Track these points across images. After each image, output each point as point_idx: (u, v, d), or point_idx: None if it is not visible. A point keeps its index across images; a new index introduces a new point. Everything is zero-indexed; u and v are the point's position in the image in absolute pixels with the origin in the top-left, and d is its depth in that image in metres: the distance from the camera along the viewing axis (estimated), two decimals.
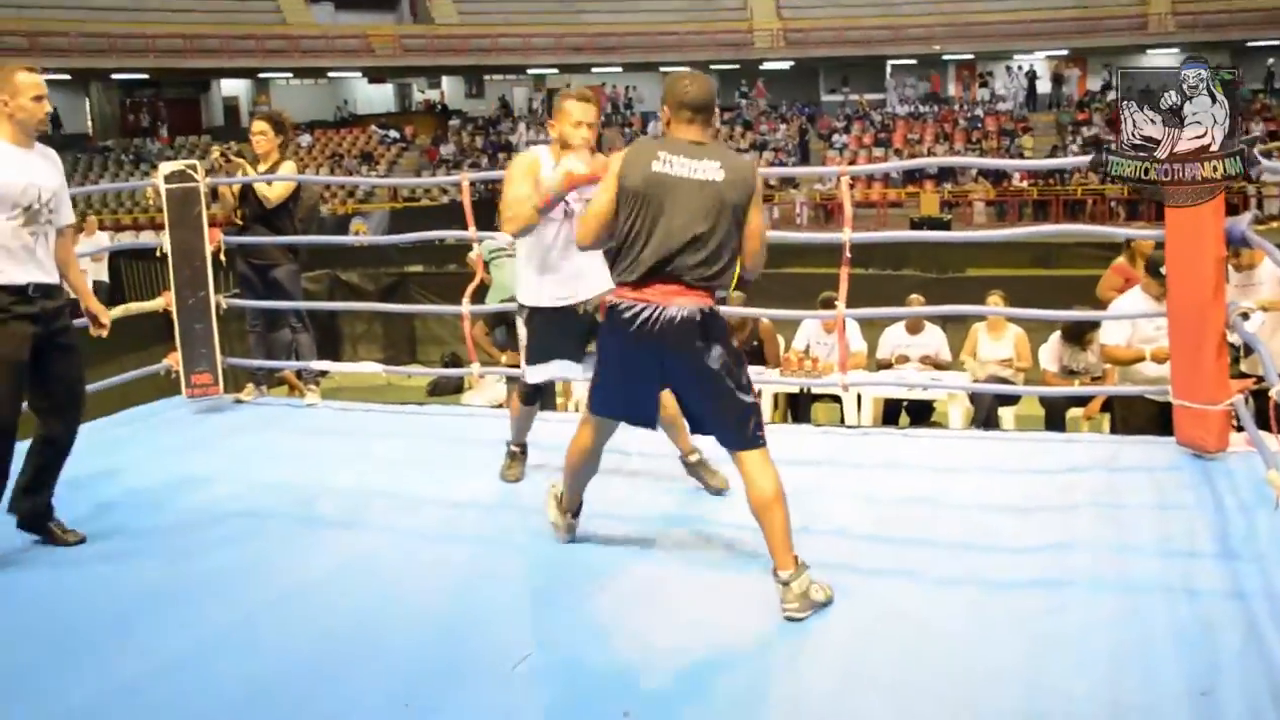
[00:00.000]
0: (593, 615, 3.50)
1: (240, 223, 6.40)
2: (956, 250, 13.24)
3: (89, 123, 36.15)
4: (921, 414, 8.45)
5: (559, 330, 4.40)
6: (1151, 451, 4.94)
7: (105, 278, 13.84)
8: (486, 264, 7.45)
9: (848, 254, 5.45)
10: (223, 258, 6.33)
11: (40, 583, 3.84)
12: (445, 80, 39.90)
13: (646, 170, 3.49)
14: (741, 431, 3.57)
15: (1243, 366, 5.53)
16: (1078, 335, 7.25)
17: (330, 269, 12.17)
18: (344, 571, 3.89)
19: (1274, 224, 21.18)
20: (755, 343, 8.64)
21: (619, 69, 35.96)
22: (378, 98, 39.92)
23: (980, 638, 3.24)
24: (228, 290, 6.53)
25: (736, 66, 36.25)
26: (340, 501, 4.62)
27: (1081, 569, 3.68)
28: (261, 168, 6.39)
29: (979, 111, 33.33)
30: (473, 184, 6.09)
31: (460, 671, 3.12)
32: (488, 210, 12.14)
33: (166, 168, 6.26)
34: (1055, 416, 7.38)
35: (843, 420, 7.88)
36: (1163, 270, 5.18)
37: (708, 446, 4.23)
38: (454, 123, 36.51)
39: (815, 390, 7.87)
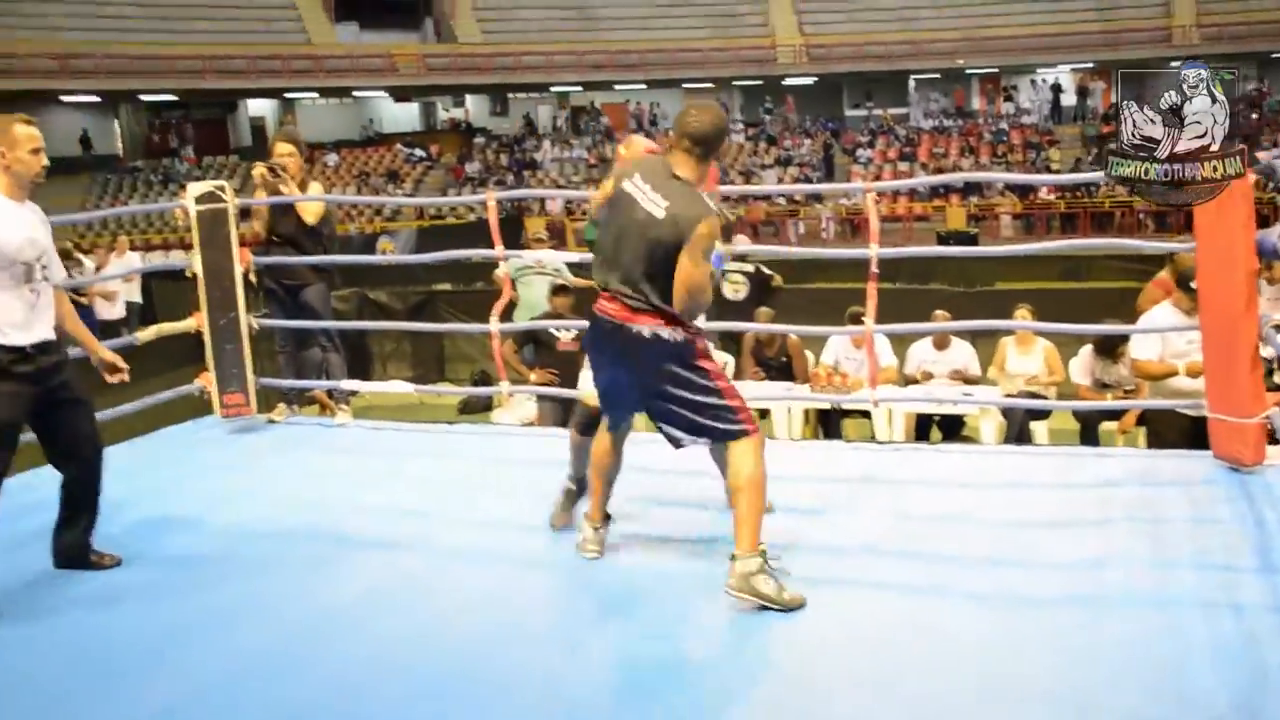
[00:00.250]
0: (625, 635, 3.49)
1: (270, 241, 6.41)
2: (984, 264, 13.19)
3: (118, 144, 36.50)
4: (953, 429, 8.41)
5: None
6: (1187, 465, 4.90)
7: (139, 298, 13.92)
8: (514, 281, 7.48)
9: (875, 270, 5.43)
10: (253, 278, 6.36)
11: (73, 607, 3.84)
12: (470, 98, 40.12)
13: (619, 185, 3.71)
14: (722, 428, 3.67)
15: (1277, 379, 5.48)
16: (1109, 348, 7.21)
17: (359, 288, 12.22)
18: (376, 593, 3.89)
19: None
20: (784, 358, 8.63)
21: (642, 86, 36.07)
22: (403, 116, 40.16)
23: (1015, 653, 3.21)
24: (258, 311, 6.56)
25: (759, 82, 36.32)
26: (372, 521, 4.63)
27: (1118, 584, 3.65)
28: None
29: (1004, 125, 33.26)
30: (499, 202, 6.10)
31: (492, 694, 3.11)
32: (513, 228, 12.16)
33: (196, 189, 6.30)
34: (1089, 430, 7.33)
35: (874, 436, 7.85)
36: (1193, 284, 5.15)
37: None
38: (479, 141, 36.70)
39: (845, 406, 7.84)
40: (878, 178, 29.18)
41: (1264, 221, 4.95)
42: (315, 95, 37.58)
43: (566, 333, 7.70)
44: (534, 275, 8.65)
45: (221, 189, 6.29)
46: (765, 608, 3.48)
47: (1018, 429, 7.61)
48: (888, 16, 34.37)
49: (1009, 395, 7.71)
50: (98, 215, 13.24)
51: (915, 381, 8.30)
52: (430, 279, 14.18)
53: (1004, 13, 33.63)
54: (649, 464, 4.56)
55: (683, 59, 34.22)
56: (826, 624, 3.46)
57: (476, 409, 9.61)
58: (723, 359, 8.57)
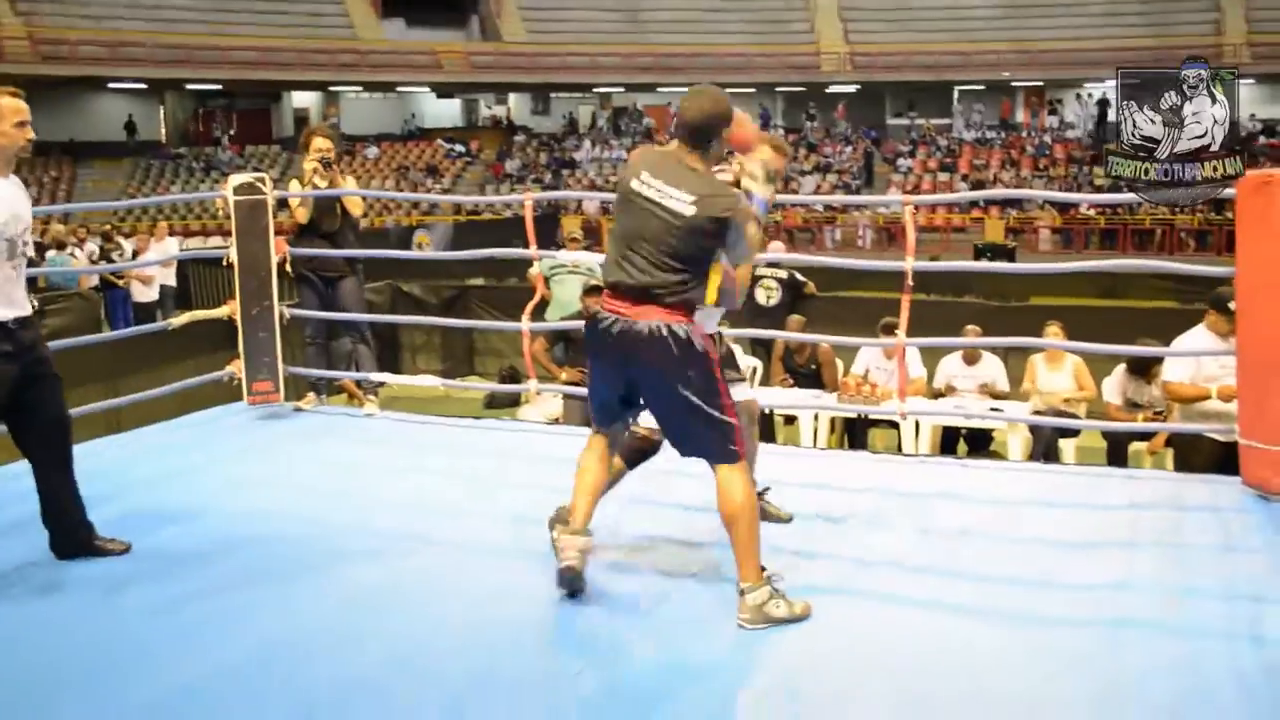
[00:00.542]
0: (646, 634, 3.46)
1: (305, 232, 6.45)
2: (1020, 278, 13.09)
3: (162, 131, 36.86)
4: (980, 443, 8.35)
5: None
6: (1217, 490, 4.84)
7: (173, 282, 14.07)
8: (547, 280, 7.49)
9: (910, 282, 5.39)
10: (288, 268, 6.41)
11: (95, 589, 3.86)
12: (512, 97, 40.22)
13: (627, 184, 3.58)
14: (717, 448, 3.55)
15: None
16: (1143, 369, 7.13)
17: (392, 280, 12.28)
18: (395, 583, 3.90)
19: None
20: (814, 366, 8.60)
21: (685, 89, 35.96)
22: (445, 112, 40.32)
23: (1037, 675, 3.17)
24: (289, 300, 6.60)
25: (803, 89, 36.22)
26: (393, 512, 4.64)
27: (1142, 609, 3.60)
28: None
29: (1047, 139, 33.00)
30: (535, 201, 6.11)
31: (509, 687, 3.11)
32: (549, 226, 12.18)
33: (236, 180, 6.36)
34: (1117, 450, 7.25)
35: (900, 447, 7.80)
36: (1230, 306, 5.09)
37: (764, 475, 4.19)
38: (519, 138, 36.80)
39: (873, 416, 7.80)
40: (917, 188, 29.04)
41: None
42: (359, 89, 37.79)
43: None
44: (567, 274, 8.66)
45: (261, 180, 6.35)
46: None
47: (1045, 446, 7.54)
48: (935, 26, 34.16)
49: (1038, 412, 7.64)
50: (139, 202, 13.41)
51: (943, 395, 8.25)
52: (464, 274, 14.22)
53: (1053, 26, 33.34)
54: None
55: (727, 63, 34.14)
56: (842, 636, 3.44)
57: (503, 404, 9.63)
58: (751, 364, 8.55)
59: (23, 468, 4.24)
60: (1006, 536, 4.35)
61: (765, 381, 8.66)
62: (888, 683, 3.14)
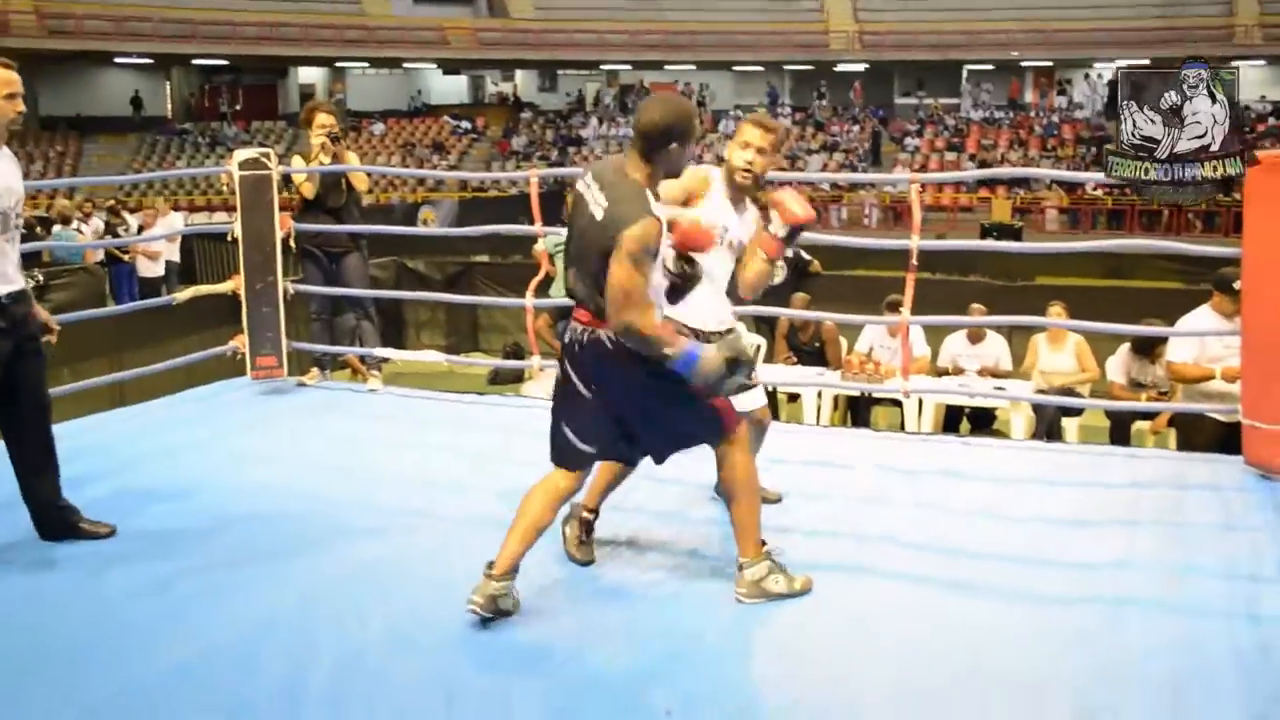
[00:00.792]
0: (646, 612, 3.48)
1: (309, 207, 6.45)
2: (1026, 258, 13.06)
3: (168, 106, 36.82)
4: (983, 422, 8.36)
5: None
6: (1218, 470, 4.83)
7: (177, 258, 14.08)
8: (551, 257, 7.48)
9: (914, 261, 5.38)
10: (292, 244, 6.41)
11: (87, 566, 3.85)
12: (519, 73, 40.12)
13: (578, 183, 3.46)
14: (705, 430, 3.45)
15: None
16: (1147, 348, 7.12)
17: (397, 256, 12.27)
18: (397, 558, 3.91)
19: None
20: (817, 344, 8.59)
21: (692, 67, 35.93)
22: (451, 89, 40.24)
23: (1037, 654, 3.18)
24: (295, 276, 6.61)
25: (811, 67, 36.09)
26: (396, 488, 4.65)
27: (1143, 588, 3.61)
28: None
29: (1055, 119, 32.86)
30: (540, 178, 6.10)
31: (507, 664, 3.12)
32: (555, 203, 12.17)
33: (241, 155, 6.35)
34: (1120, 429, 7.25)
35: (903, 425, 7.80)
36: (1235, 286, 5.08)
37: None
38: (526, 115, 36.71)
39: (876, 394, 7.80)
40: (924, 167, 28.93)
41: None
42: (366, 65, 37.71)
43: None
44: None
45: (266, 155, 6.34)
46: None
47: (1048, 425, 7.54)
48: (944, 5, 33.96)
49: (1041, 391, 7.64)
50: (144, 176, 13.36)
51: (947, 373, 8.24)
52: (469, 250, 14.21)
53: (1063, 5, 33.11)
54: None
55: (735, 41, 34.05)
56: (842, 613, 3.44)
57: (506, 381, 9.63)
58: (755, 341, 8.55)
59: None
60: (1007, 515, 4.35)
61: (769, 359, 8.65)
62: (886, 660, 3.15)
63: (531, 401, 6.17)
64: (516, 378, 9.29)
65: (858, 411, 8.27)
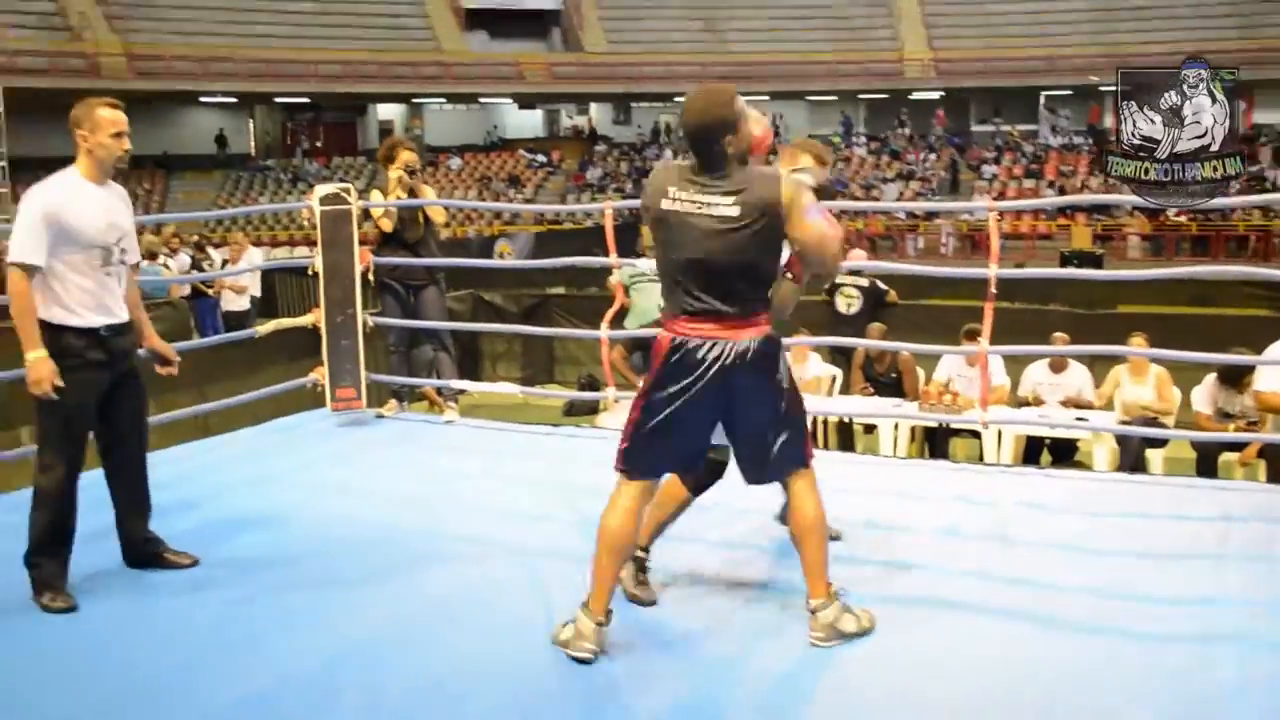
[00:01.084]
0: (714, 647, 3.45)
1: (387, 241, 6.54)
2: (1108, 285, 12.85)
3: (251, 143, 37.66)
4: (1065, 454, 8.21)
5: None
6: None
7: (258, 292, 14.31)
8: (626, 289, 7.51)
9: (993, 290, 5.32)
10: (371, 277, 6.51)
11: (176, 597, 3.91)
12: (593, 106, 40.46)
13: (658, 204, 3.31)
14: (798, 453, 3.43)
15: None
16: (1234, 378, 6.95)
17: (474, 289, 12.39)
18: (469, 589, 3.93)
19: None
20: (894, 375, 8.52)
21: (766, 97, 35.99)
22: (527, 123, 40.69)
23: (1123, 692, 3.10)
24: (372, 309, 6.70)
25: (886, 96, 35.95)
26: (470, 519, 4.68)
27: (1233, 625, 3.50)
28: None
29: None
30: (616, 209, 6.14)
31: (581, 695, 3.12)
32: (629, 235, 12.25)
33: (322, 190, 6.47)
34: (1207, 461, 7.07)
35: (981, 457, 7.69)
36: None
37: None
38: (600, 148, 36.98)
39: (954, 425, 7.70)
40: (1002, 194, 28.63)
41: None
42: (443, 101, 38.28)
43: None
44: (647, 283, 8.66)
45: (346, 191, 6.46)
46: None
47: (1133, 457, 7.37)
48: (1020, 31, 33.72)
49: (1124, 422, 7.49)
50: (228, 213, 13.76)
51: (1028, 404, 8.12)
52: (545, 283, 14.30)
53: (1141, 29, 32.69)
54: None
55: (808, 71, 34.05)
56: (916, 650, 3.38)
57: (582, 412, 9.66)
58: (831, 372, 8.49)
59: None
60: (1090, 548, 4.25)
61: (845, 390, 8.59)
62: (961, 700, 3.08)
63: (606, 433, 6.17)
64: (591, 409, 9.31)
65: (936, 443, 8.17)
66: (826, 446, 7.67)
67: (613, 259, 6.18)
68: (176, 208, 31.07)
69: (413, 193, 6.51)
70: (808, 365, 8.49)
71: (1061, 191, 28.00)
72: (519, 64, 35.11)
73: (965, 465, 6.14)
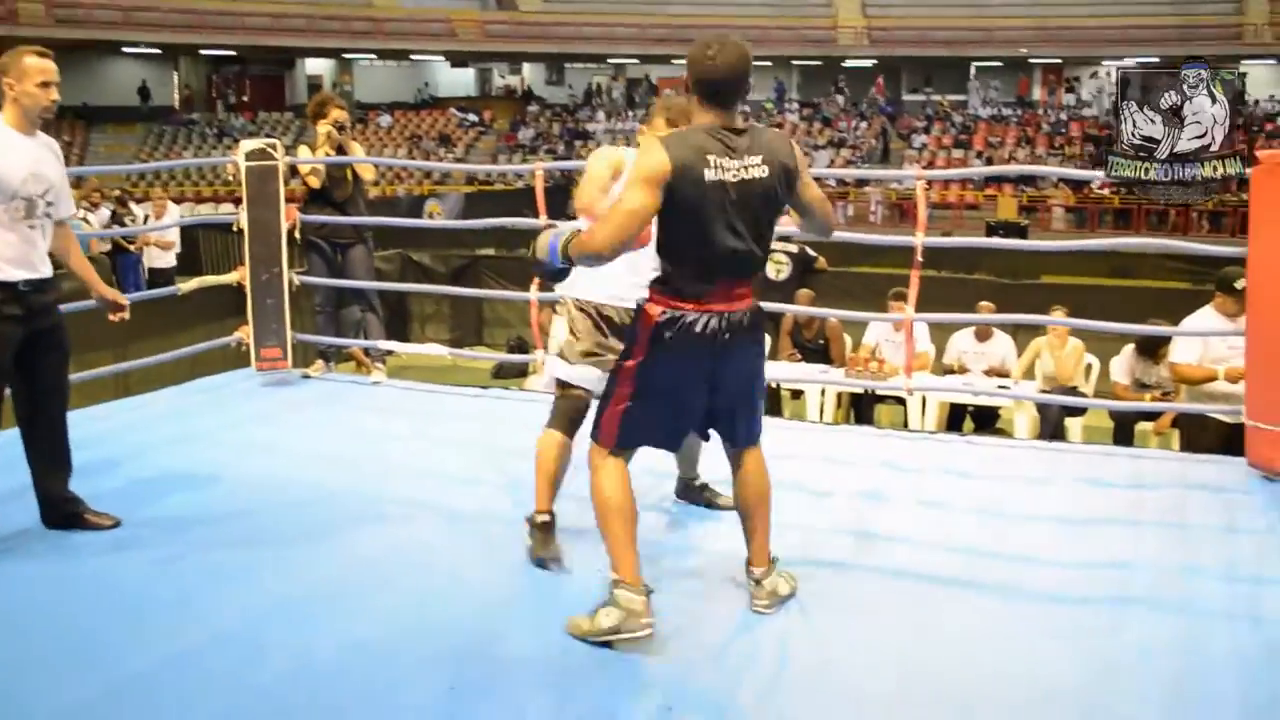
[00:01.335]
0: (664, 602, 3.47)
1: (314, 198, 6.45)
2: (1032, 256, 13.05)
3: (175, 96, 36.84)
4: (986, 421, 8.36)
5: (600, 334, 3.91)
6: (1222, 471, 4.83)
7: (179, 248, 14.01)
8: None
9: (919, 258, 5.38)
10: (297, 235, 6.42)
11: (99, 557, 3.86)
12: (526, 66, 40.09)
13: (700, 177, 3.04)
14: (758, 424, 3.45)
15: None
16: (1151, 349, 7.12)
17: (403, 249, 12.28)
18: (398, 550, 3.92)
19: None
20: (822, 341, 8.59)
21: None
22: (458, 81, 40.23)
23: (1038, 654, 3.18)
24: (300, 268, 6.62)
25: (819, 63, 36.04)
26: (398, 480, 4.66)
27: (1144, 588, 3.61)
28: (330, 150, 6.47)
29: (1063, 117, 32.79)
30: (547, 171, 6.10)
31: (508, 657, 3.12)
32: (561, 197, 12.20)
33: (247, 145, 6.35)
34: (1124, 430, 7.24)
35: (906, 423, 7.80)
36: (1236, 286, 5.08)
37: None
38: (533, 108, 36.69)
39: (880, 392, 7.80)
40: (931, 164, 28.88)
41: None
42: (373, 57, 37.70)
43: None
44: None
45: (272, 146, 6.35)
46: None
47: (1053, 425, 7.53)
48: (953, 1, 33.92)
49: (1045, 391, 7.64)
50: (150, 166, 13.35)
51: (953, 371, 8.24)
52: (475, 243, 14.21)
53: (1072, 3, 33.05)
54: None
55: (743, 36, 33.05)
56: (842, 610, 3.44)
57: (510, 375, 9.64)
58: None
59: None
60: (1009, 513, 4.35)
61: (773, 356, 8.65)
62: (884, 658, 3.14)
63: (535, 396, 6.17)
64: (520, 372, 9.31)
65: (861, 409, 8.27)
66: None
67: (542, 220, 6.16)
68: (98, 161, 30.33)
69: (341, 150, 6.42)
70: None
71: (989, 162, 28.32)
72: (451, 20, 34.63)
73: (890, 431, 6.24)
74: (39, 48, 3.91)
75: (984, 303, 8.11)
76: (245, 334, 6.37)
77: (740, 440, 3.41)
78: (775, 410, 8.20)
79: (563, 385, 3.86)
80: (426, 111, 36.69)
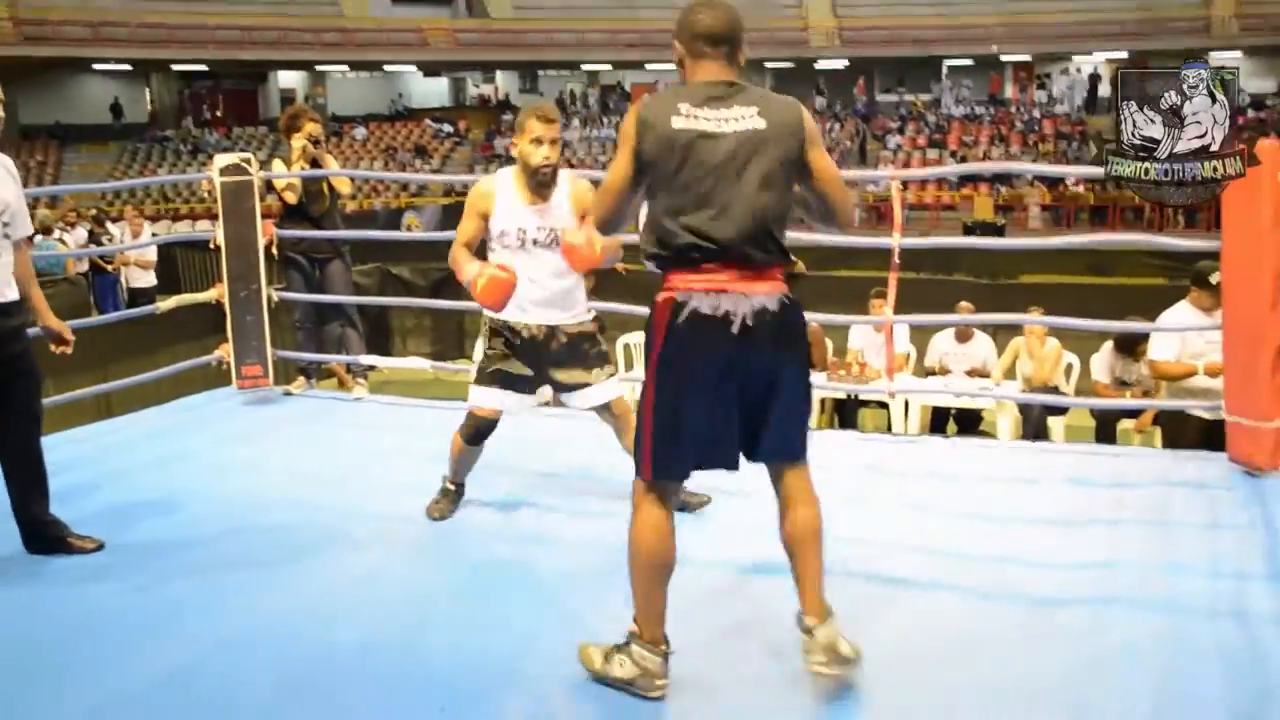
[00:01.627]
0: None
1: (291, 214, 6.43)
2: (1010, 256, 13.12)
3: (148, 113, 36.68)
4: (969, 423, 8.39)
5: (503, 355, 4.25)
6: (1203, 467, 4.86)
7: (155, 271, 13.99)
8: None
9: (897, 260, 5.40)
10: (274, 251, 6.40)
11: (78, 577, 3.84)
12: (500, 75, 40.06)
13: (666, 128, 2.77)
14: (803, 439, 3.02)
15: None
16: (1130, 346, 7.16)
17: (381, 263, 12.26)
18: (382, 567, 3.92)
19: None
20: None
21: (673, 66, 35.88)
22: (432, 91, 40.19)
23: (1021, 654, 3.19)
24: (277, 284, 6.60)
25: (791, 65, 36.13)
26: (381, 496, 4.65)
27: (1126, 586, 3.63)
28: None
29: (1036, 114, 32.97)
30: None
31: (496, 675, 3.11)
32: None
33: (221, 160, 6.33)
34: (1106, 428, 7.28)
35: (889, 427, 7.82)
36: (1211, 280, 5.12)
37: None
38: (508, 118, 36.62)
39: (862, 396, 7.82)
40: (906, 164, 28.99)
41: None
42: (346, 68, 37.62)
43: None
44: None
45: (247, 161, 6.32)
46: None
47: (1035, 426, 7.57)
48: (923, 0, 34.07)
49: (1025, 391, 7.68)
50: (125, 184, 13.24)
51: (934, 373, 8.27)
52: None
53: None
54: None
55: None
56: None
57: None
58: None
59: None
60: (992, 515, 4.37)
61: None
62: (869, 660, 3.13)
63: None
64: None
65: (845, 414, 8.29)
66: None
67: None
68: (71, 180, 30.13)
69: (316, 163, 6.40)
70: None
71: (964, 161, 28.44)
72: (422, 30, 34.59)
73: (874, 435, 6.26)
74: None
75: (963, 303, 8.14)
76: (226, 352, 6.34)
77: (775, 454, 2.97)
78: None
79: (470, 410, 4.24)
80: (401, 123, 36.62)
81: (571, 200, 4.20)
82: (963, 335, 8.32)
